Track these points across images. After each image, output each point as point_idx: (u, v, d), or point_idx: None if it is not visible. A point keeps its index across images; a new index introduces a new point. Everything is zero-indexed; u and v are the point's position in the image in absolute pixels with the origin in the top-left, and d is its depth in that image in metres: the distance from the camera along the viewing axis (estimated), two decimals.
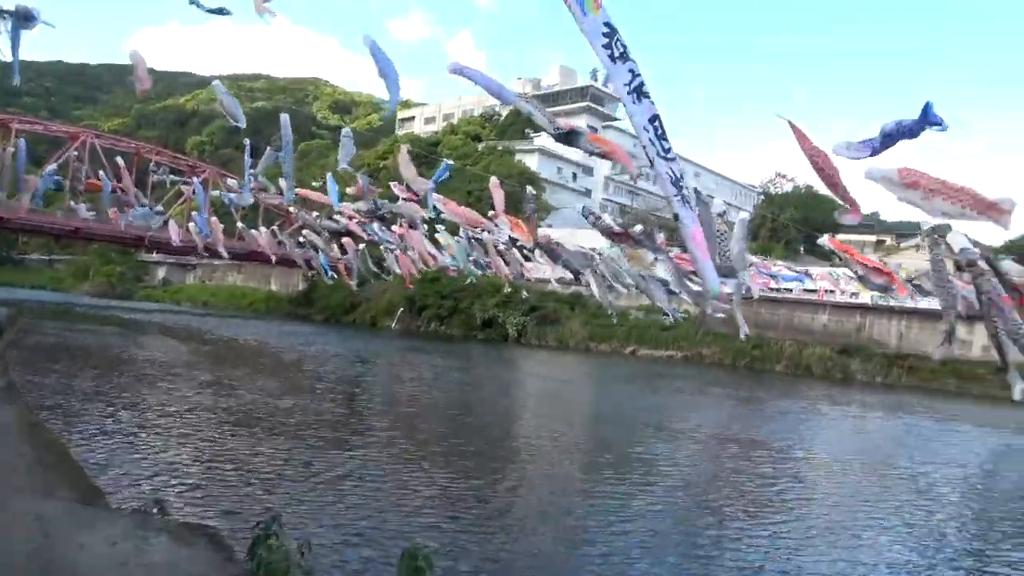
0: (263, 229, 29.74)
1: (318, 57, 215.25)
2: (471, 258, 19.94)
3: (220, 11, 8.26)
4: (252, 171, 16.06)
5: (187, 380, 17.52)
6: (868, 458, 14.94)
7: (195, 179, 31.14)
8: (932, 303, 36.32)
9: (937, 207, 6.16)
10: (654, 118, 4.37)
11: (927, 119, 5.44)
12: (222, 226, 29.11)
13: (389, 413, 15.60)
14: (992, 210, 6.04)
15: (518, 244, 21.46)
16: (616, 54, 4.23)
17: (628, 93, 4.26)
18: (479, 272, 21.59)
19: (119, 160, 22.05)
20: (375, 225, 16.82)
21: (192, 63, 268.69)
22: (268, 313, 60.97)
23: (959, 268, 8.39)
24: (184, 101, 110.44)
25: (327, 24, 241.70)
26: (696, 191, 6.98)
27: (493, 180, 11.23)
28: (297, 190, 16.05)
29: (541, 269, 28.86)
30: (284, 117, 11.84)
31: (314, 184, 16.21)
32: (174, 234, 27.60)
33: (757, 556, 7.96)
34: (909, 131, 5.68)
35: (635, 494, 10.28)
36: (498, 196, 11.70)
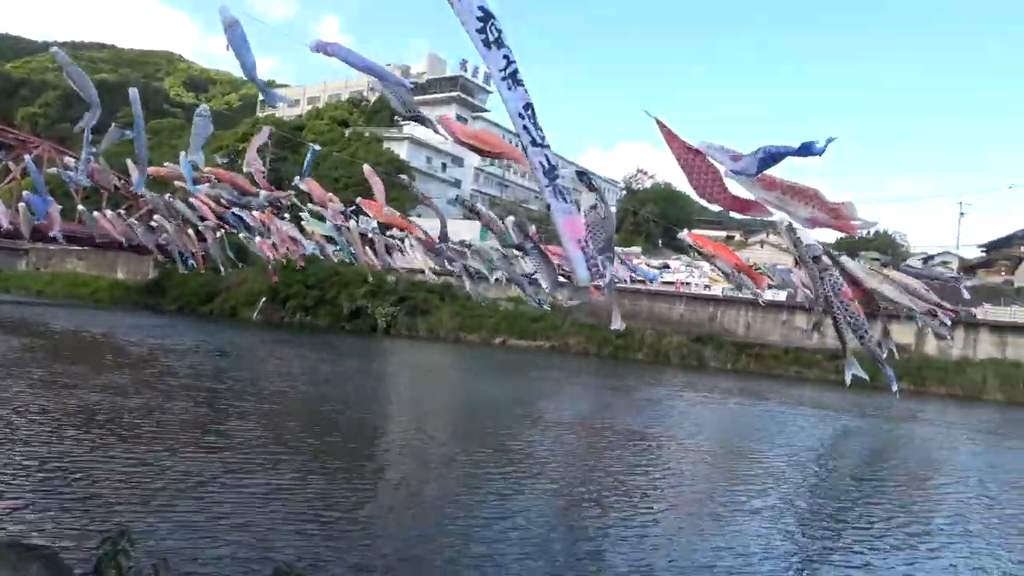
0: (108, 212, 27.40)
1: (170, 31, 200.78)
2: (337, 250, 19.32)
3: None
4: (93, 150, 14.61)
5: (18, 379, 15.83)
6: (733, 444, 15.80)
7: (27, 156, 28.18)
8: (776, 296, 39.20)
9: (792, 209, 6.56)
10: (527, 106, 4.32)
11: (810, 150, 5.79)
12: (59, 207, 26.53)
13: (252, 411, 14.56)
14: (841, 217, 6.47)
15: (388, 233, 21.09)
16: (491, 39, 4.12)
17: (503, 79, 4.16)
18: (347, 260, 20.96)
19: None
20: (233, 211, 15.82)
21: (23, 26, 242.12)
22: (114, 303, 56.30)
23: (801, 262, 8.90)
24: (11, 68, 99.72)
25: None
26: (588, 177, 7.02)
27: (367, 168, 10.77)
28: (149, 169, 14.85)
29: (412, 259, 28.35)
30: (133, 92, 10.81)
31: (166, 165, 15.01)
32: (1, 216, 24.83)
33: (642, 546, 8.14)
34: (788, 154, 6.00)
35: (514, 489, 10.31)
36: (377, 186, 11.19)
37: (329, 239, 18.42)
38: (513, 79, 4.26)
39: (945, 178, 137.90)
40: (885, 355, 8.66)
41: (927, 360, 36.74)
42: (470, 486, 10.12)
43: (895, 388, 8.49)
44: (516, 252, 15.22)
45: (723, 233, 71.69)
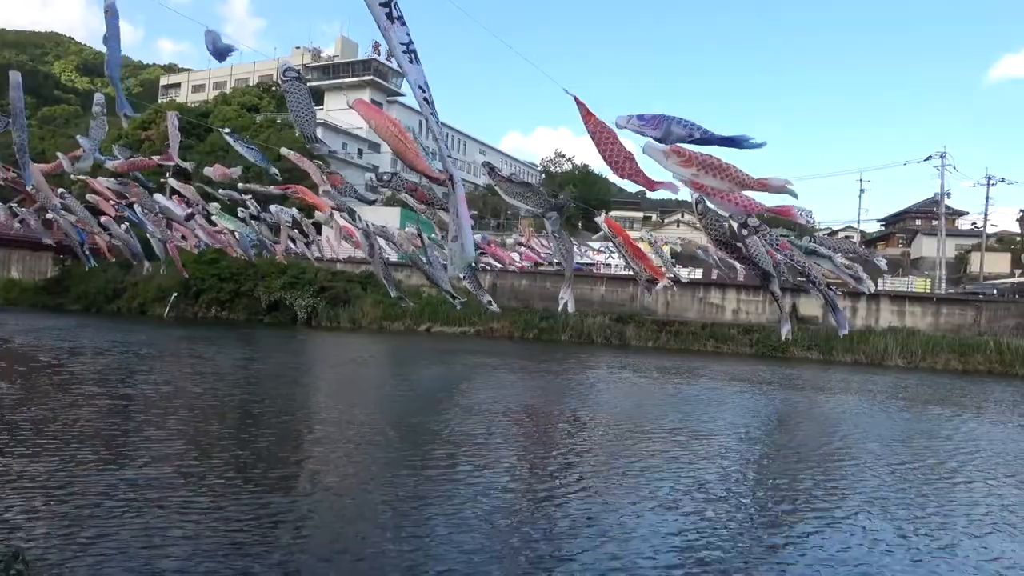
0: None
1: (58, 10, 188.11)
2: (252, 240, 18.65)
3: None
4: None
5: None
6: (672, 424, 15.71)
7: None
8: (692, 273, 40.06)
9: (709, 183, 6.67)
10: (426, 83, 4.47)
11: (743, 143, 5.92)
12: None
13: (165, 417, 13.53)
14: (767, 187, 6.61)
15: (311, 221, 20.49)
16: (394, 15, 4.28)
17: (404, 53, 4.30)
18: (258, 252, 20.25)
19: None
20: (134, 208, 14.97)
21: None
22: (10, 304, 52.81)
23: (718, 236, 8.98)
24: None
25: None
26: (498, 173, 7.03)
27: (284, 151, 10.25)
28: (41, 166, 13.87)
29: (329, 248, 27.71)
30: (15, 76, 9.98)
31: (58, 155, 14.03)
32: None
33: (592, 537, 8.09)
34: (718, 141, 6.11)
35: (453, 480, 10.11)
36: (310, 168, 10.60)
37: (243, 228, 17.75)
38: (414, 55, 4.43)
39: (846, 156, 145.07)
40: (788, 326, 8.95)
41: (833, 331, 38.52)
42: (397, 484, 9.76)
43: (845, 330, 8.94)
44: (436, 238, 15.08)
45: (640, 214, 73.31)
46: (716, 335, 40.21)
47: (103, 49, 7.46)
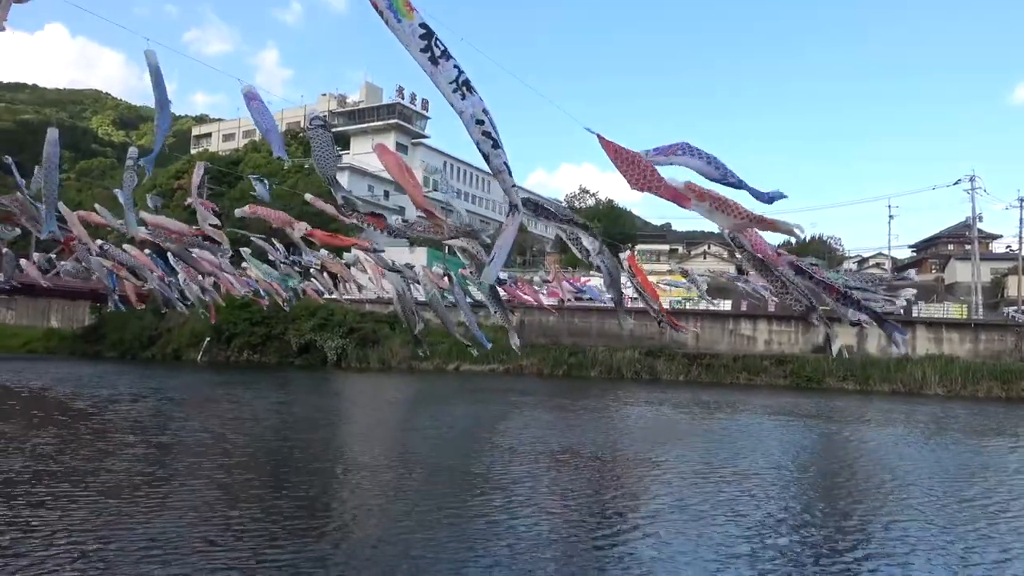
0: (36, 256, 26.39)
1: (98, 69, 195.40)
2: (287, 284, 18.93)
3: None
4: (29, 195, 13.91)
5: None
6: (720, 462, 15.08)
7: None
8: (721, 305, 39.83)
9: (721, 220, 6.69)
10: (485, 111, 4.41)
11: (763, 198, 6.07)
12: None
13: (202, 465, 13.35)
14: (766, 223, 6.63)
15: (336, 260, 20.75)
16: (437, 54, 4.22)
17: (455, 91, 4.23)
18: (292, 297, 20.52)
19: None
20: (169, 258, 15.31)
21: None
22: (49, 353, 53.96)
23: (742, 271, 8.99)
24: None
25: (114, 35, 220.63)
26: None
27: (309, 197, 10.48)
28: (78, 213, 14.30)
29: (355, 290, 27.91)
30: (52, 132, 10.35)
31: (96, 207, 14.47)
32: None
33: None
34: (746, 189, 6.24)
35: (502, 526, 9.71)
36: (327, 209, 10.84)
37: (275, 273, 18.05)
38: (466, 87, 4.36)
39: (874, 183, 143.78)
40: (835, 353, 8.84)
41: (870, 359, 37.88)
42: (457, 535, 9.29)
43: (903, 348, 8.74)
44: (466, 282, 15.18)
45: (666, 246, 73.07)
46: (749, 367, 39.67)
47: (136, 103, 7.74)
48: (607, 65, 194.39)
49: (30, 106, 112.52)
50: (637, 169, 7.19)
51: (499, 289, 14.82)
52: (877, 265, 67.94)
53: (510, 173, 4.62)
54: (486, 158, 4.51)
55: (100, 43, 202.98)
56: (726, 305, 41.16)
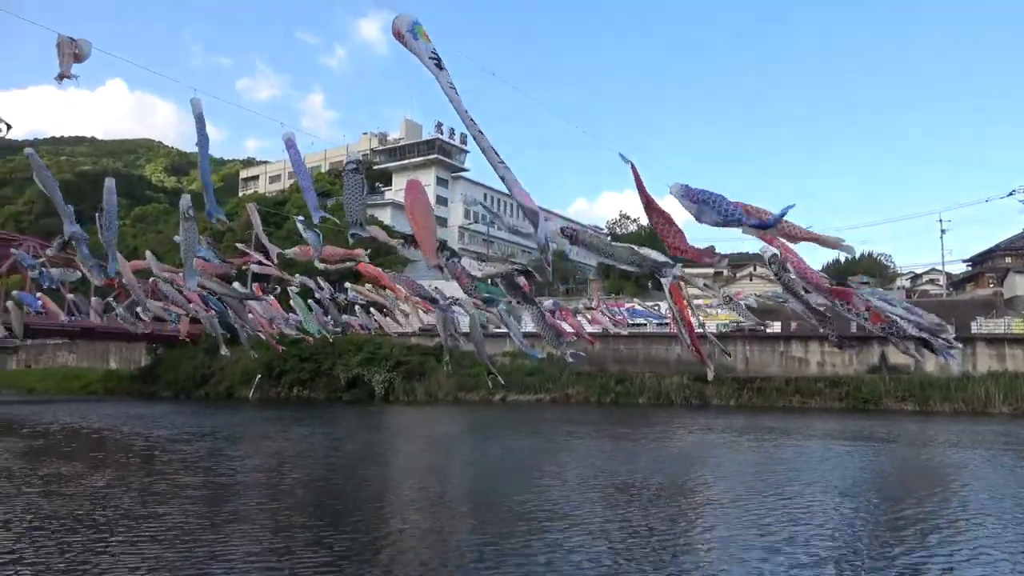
0: (94, 300, 27.32)
1: (153, 119, 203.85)
2: (329, 320, 19.23)
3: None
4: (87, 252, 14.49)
5: (20, 483, 15.26)
6: (792, 491, 14.49)
7: (14, 250, 28.18)
8: (771, 327, 39.00)
9: (769, 233, 6.63)
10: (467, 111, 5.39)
11: (773, 219, 6.21)
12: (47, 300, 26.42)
13: (260, 508, 13.38)
14: (818, 241, 6.58)
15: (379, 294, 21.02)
16: (440, 64, 5.37)
17: (450, 88, 5.27)
18: (337, 331, 20.84)
19: None
20: (217, 296, 15.73)
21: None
22: (108, 394, 55.64)
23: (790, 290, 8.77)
24: None
25: (167, 87, 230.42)
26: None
27: (373, 229, 10.60)
28: (132, 263, 14.82)
29: (400, 324, 28.04)
30: (109, 182, 10.80)
31: (148, 252, 15.04)
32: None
33: None
34: (753, 227, 6.36)
35: (572, 564, 9.49)
36: (380, 235, 10.99)
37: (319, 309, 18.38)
38: (454, 88, 5.38)
39: (924, 196, 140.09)
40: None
41: (928, 379, 36.59)
42: (516, 569, 9.12)
43: (955, 368, 8.36)
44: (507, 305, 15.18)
45: (711, 270, 72.17)
46: (801, 390, 38.70)
47: (187, 149, 8.15)
48: (649, 93, 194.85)
49: (88, 157, 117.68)
50: (663, 226, 7.33)
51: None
52: (931, 281, 65.95)
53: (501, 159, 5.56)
54: (474, 139, 5.48)
55: (156, 94, 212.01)
56: (776, 327, 40.33)
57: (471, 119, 5.30)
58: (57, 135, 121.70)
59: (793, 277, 7.15)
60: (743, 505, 13.09)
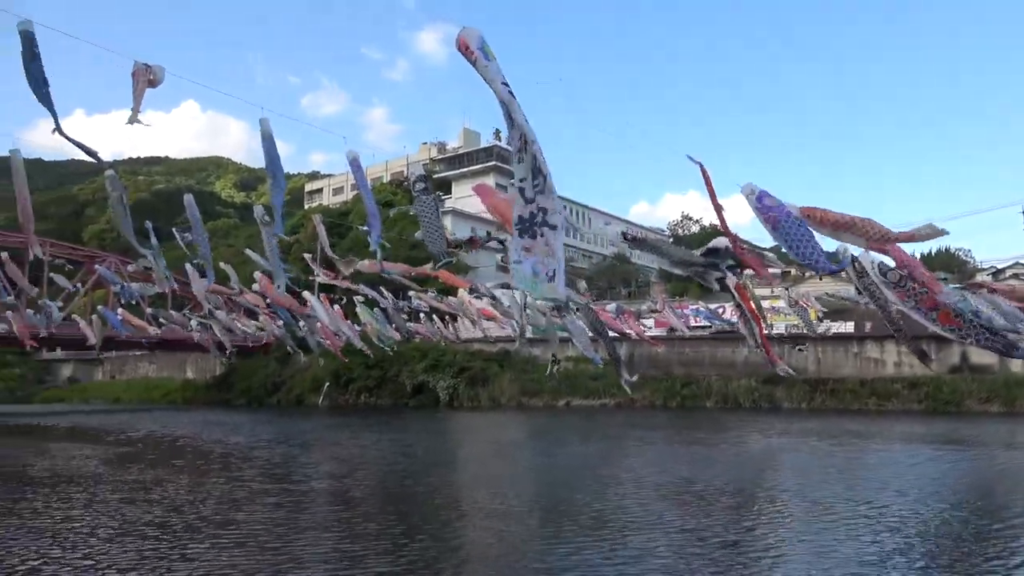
0: (173, 313, 28.49)
1: (225, 137, 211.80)
2: (392, 326, 19.55)
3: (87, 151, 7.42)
4: (166, 270, 15.20)
5: (107, 490, 15.92)
6: (864, 496, 13.75)
7: (98, 267, 29.65)
8: (844, 328, 37.90)
9: (851, 240, 6.40)
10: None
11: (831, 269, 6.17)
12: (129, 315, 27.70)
13: (335, 513, 13.58)
14: (912, 239, 6.34)
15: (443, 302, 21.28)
16: (511, 90, 4.97)
17: (519, 113, 4.90)
18: (399, 339, 21.17)
19: (3, 255, 20.85)
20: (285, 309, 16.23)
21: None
22: (186, 403, 57.92)
23: (866, 290, 8.50)
24: (78, 190, 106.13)
25: (237, 106, 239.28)
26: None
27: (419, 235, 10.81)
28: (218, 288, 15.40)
29: (465, 329, 28.41)
30: (188, 198, 11.30)
31: (221, 265, 15.60)
32: (89, 332, 25.96)
33: None
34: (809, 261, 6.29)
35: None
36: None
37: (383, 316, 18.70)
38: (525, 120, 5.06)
39: (1004, 187, 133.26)
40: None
41: (1014, 378, 34.76)
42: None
43: None
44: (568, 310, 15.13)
45: (778, 269, 70.35)
46: (878, 392, 37.27)
47: (255, 166, 8.42)
48: (714, 95, 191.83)
49: (163, 176, 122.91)
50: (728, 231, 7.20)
51: (602, 320, 14.64)
52: (1016, 276, 62.71)
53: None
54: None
55: (228, 114, 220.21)
56: (848, 327, 39.01)
57: (539, 149, 5.02)
58: (135, 156, 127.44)
59: (874, 279, 6.89)
60: (835, 514, 12.31)
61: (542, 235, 4.97)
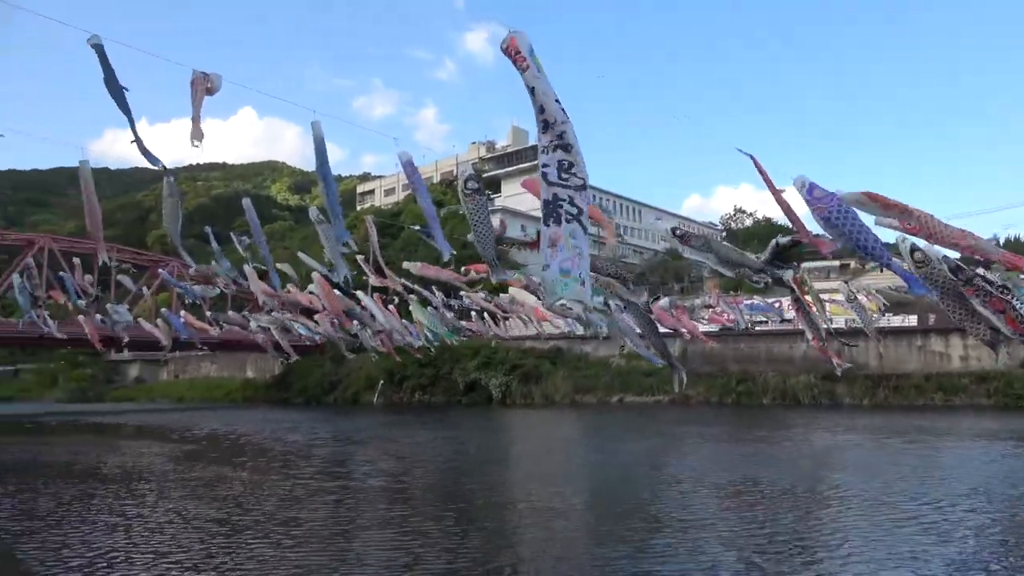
0: (233, 314, 29.27)
1: (280, 142, 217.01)
2: (444, 325, 19.71)
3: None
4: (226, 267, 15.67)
5: (172, 486, 16.56)
6: (950, 498, 13.08)
7: (161, 270, 30.78)
8: (905, 321, 36.68)
9: (916, 227, 6.18)
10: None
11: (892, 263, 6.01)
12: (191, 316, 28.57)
13: (390, 508, 13.71)
14: (972, 251, 6.14)
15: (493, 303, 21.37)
16: (563, 107, 5.03)
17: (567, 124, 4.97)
18: (455, 338, 21.34)
19: (75, 261, 21.78)
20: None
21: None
22: (246, 401, 59.55)
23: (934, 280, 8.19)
24: (142, 197, 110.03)
25: (290, 111, 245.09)
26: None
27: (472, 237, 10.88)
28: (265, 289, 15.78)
29: (517, 327, 28.39)
30: (247, 202, 11.62)
31: (278, 267, 15.99)
32: (159, 334, 26.93)
33: None
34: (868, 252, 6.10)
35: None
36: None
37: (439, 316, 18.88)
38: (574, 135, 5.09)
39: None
40: None
41: None
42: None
43: None
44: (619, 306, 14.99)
45: (836, 262, 68.40)
46: (944, 387, 35.98)
47: (308, 169, 8.62)
48: (760, 86, 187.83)
49: (221, 181, 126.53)
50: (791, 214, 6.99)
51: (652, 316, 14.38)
52: None
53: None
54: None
55: (283, 119, 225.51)
56: (911, 320, 37.76)
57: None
58: (194, 163, 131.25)
59: (941, 268, 6.63)
60: (916, 518, 11.59)
61: (567, 221, 4.93)
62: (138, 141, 6.94)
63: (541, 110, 4.94)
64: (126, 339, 28.41)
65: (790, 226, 8.22)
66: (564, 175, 4.96)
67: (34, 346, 55.46)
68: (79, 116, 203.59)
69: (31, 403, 69.61)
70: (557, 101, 4.93)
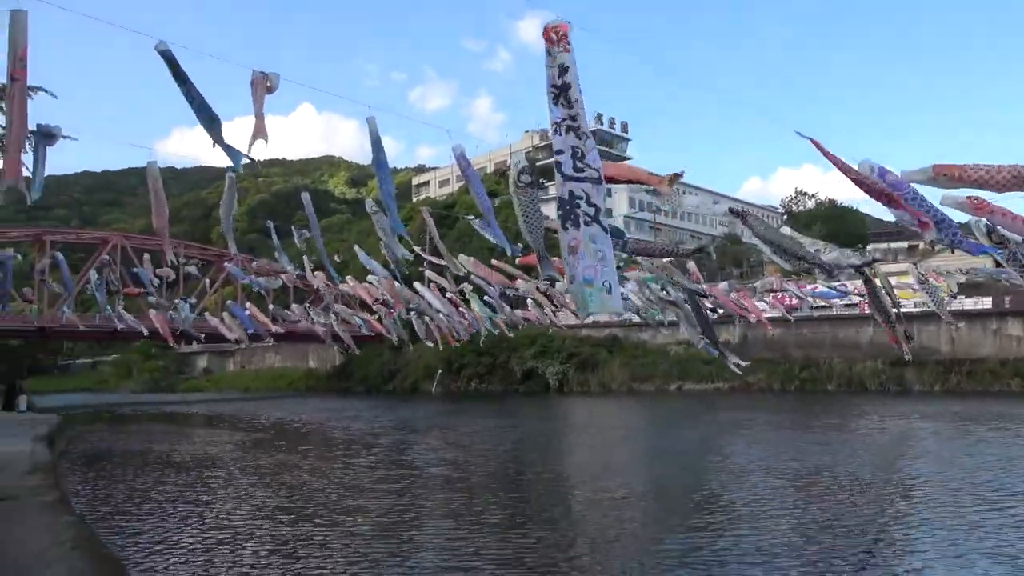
0: (295, 307, 30.00)
1: (337, 137, 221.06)
2: (499, 316, 19.79)
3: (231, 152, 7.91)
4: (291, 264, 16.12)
5: (241, 474, 17.03)
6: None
7: (227, 264, 31.73)
8: (979, 304, 35.19)
9: (983, 203, 5.89)
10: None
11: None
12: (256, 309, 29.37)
13: (451, 496, 13.70)
14: None
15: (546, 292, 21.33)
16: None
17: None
18: (507, 330, 21.37)
19: (146, 256, 22.67)
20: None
21: (213, 157, 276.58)
22: (309, 391, 61.10)
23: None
24: (207, 194, 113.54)
25: (346, 107, 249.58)
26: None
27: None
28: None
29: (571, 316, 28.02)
30: (305, 196, 11.86)
31: (336, 259, 16.36)
32: (228, 331, 27.77)
33: None
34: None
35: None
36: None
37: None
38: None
39: None
40: None
41: None
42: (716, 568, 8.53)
43: None
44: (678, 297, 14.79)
45: (904, 243, 65.94)
46: (1021, 372, 34.39)
47: (364, 163, 8.77)
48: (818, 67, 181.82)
49: (280, 177, 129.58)
50: (868, 188, 6.66)
51: (707, 303, 14.01)
52: None
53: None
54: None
55: (340, 114, 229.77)
56: (986, 303, 36.17)
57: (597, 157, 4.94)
58: (255, 159, 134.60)
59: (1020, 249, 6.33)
60: (1003, 509, 11.03)
61: (586, 224, 4.72)
62: (220, 142, 7.18)
63: (567, 87, 4.75)
64: (201, 336, 29.37)
65: (856, 208, 7.96)
66: (579, 164, 4.76)
67: (109, 340, 57.95)
68: (147, 117, 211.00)
69: (108, 394, 72.88)
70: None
